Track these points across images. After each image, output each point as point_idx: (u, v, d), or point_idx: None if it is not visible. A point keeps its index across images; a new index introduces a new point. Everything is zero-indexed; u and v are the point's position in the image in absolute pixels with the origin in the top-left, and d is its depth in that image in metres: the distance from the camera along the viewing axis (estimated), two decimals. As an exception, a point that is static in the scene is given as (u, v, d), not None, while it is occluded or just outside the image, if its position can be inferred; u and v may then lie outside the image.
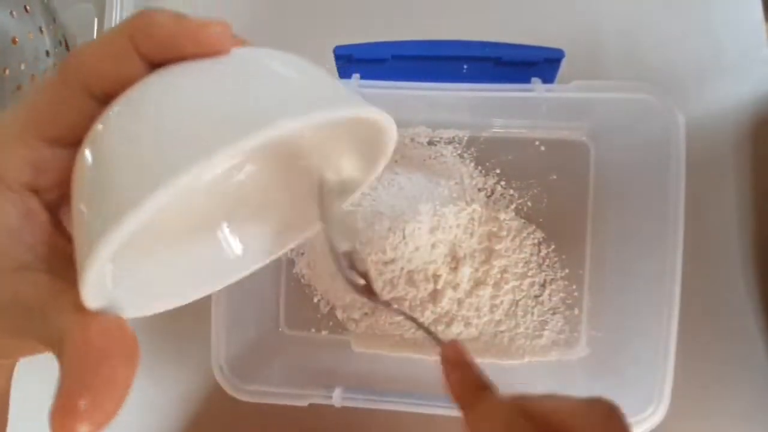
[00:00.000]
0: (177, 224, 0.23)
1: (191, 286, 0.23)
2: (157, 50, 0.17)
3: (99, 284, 0.17)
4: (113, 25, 0.19)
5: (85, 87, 0.18)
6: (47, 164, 0.18)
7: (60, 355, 0.16)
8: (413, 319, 0.27)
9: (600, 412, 0.20)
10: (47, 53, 0.41)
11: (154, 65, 0.17)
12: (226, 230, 0.24)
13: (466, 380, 0.23)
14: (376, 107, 0.19)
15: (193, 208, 0.23)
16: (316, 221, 0.24)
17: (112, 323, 0.17)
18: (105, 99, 0.18)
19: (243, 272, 0.25)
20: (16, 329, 0.18)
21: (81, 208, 0.16)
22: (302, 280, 0.44)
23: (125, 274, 0.19)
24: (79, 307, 0.16)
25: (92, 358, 0.16)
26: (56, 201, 0.19)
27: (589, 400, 0.21)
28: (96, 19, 0.45)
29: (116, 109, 0.17)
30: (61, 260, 0.18)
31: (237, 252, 0.24)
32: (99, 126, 0.17)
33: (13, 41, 0.40)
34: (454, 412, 0.35)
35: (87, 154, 0.16)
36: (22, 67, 0.40)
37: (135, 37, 0.17)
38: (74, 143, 0.18)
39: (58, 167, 0.18)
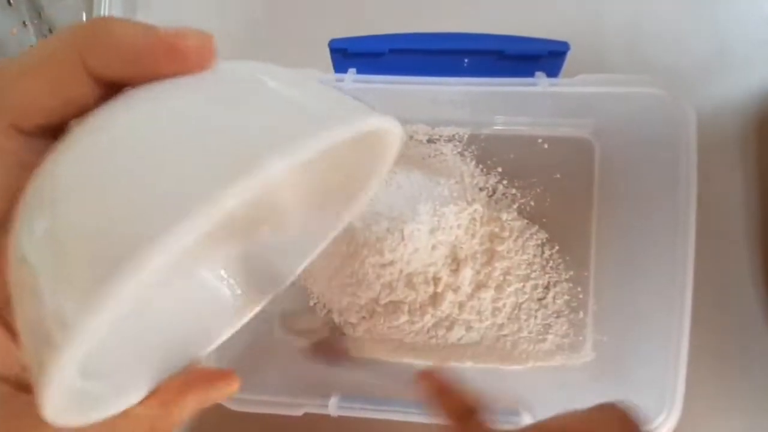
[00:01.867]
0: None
1: (178, 354, 0.21)
2: (116, 68, 0.13)
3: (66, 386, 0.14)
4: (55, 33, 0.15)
5: (12, 124, 0.14)
6: None
7: None
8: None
9: (612, 416, 0.19)
10: (32, 48, 0.40)
11: (110, 88, 0.14)
12: (221, 272, 0.23)
13: (452, 406, 0.21)
14: (381, 114, 0.16)
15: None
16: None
17: None
18: (41, 133, 0.14)
19: (240, 319, 0.23)
20: None
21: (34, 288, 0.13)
22: (298, 283, 0.43)
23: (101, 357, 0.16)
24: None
25: None
26: None
27: (599, 406, 0.20)
28: (84, 13, 0.44)
29: (67, 163, 0.13)
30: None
31: (235, 292, 0.23)
32: (47, 178, 0.13)
33: (-5, 36, 0.39)
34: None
35: (37, 216, 0.13)
36: (5, 62, 0.39)
37: (85, 51, 0.13)
38: None
39: None
